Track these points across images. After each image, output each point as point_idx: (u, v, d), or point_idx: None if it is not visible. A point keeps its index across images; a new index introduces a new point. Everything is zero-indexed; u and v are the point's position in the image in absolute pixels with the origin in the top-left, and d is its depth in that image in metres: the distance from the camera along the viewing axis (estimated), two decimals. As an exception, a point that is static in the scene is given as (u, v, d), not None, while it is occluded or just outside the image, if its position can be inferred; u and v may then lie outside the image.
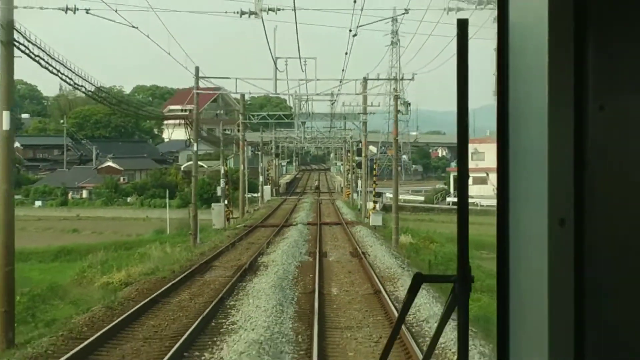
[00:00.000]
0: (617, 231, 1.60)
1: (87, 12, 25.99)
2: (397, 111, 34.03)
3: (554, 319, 1.59)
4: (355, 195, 63.00)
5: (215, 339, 13.62)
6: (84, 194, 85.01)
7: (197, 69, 38.40)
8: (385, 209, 52.18)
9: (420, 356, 11.05)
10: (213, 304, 16.48)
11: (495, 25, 1.72)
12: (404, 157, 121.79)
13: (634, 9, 1.59)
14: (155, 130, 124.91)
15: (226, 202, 43.32)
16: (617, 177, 1.60)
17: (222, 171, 44.98)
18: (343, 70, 44.47)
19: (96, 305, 16.65)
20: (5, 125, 14.51)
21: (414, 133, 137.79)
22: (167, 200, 48.33)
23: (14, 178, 72.21)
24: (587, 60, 1.59)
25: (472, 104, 1.79)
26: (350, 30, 28.26)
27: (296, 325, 14.62)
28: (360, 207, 53.25)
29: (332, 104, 56.09)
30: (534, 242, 1.63)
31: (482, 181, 72.88)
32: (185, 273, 21.71)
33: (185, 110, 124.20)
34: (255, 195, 71.26)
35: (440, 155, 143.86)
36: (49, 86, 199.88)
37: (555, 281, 1.60)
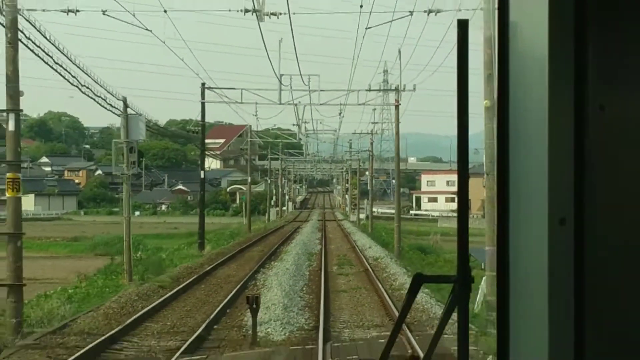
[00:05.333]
0: (617, 230, 1.63)
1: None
2: (355, 172, 79.63)
3: (554, 319, 1.63)
4: (347, 208, 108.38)
5: (297, 232, 58.84)
6: (163, 207, 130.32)
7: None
8: (367, 217, 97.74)
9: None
10: (292, 230, 62.00)
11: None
12: (393, 181, 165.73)
13: (634, 8, 1.62)
14: (199, 161, 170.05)
15: (277, 209, 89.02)
16: (617, 176, 1.64)
17: (274, 192, 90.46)
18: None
19: (259, 231, 62.36)
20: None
21: (412, 159, 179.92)
22: (244, 210, 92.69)
23: (108, 197, 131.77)
24: (587, 59, 1.62)
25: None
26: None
27: (317, 230, 60.51)
28: (348, 214, 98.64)
29: (335, 139, 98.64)
30: (534, 242, 1.66)
31: (434, 200, 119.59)
32: (277, 227, 67.00)
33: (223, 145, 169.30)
34: (283, 208, 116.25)
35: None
36: (91, 118, 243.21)
37: (556, 280, 1.62)
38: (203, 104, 42.75)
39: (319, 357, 13.95)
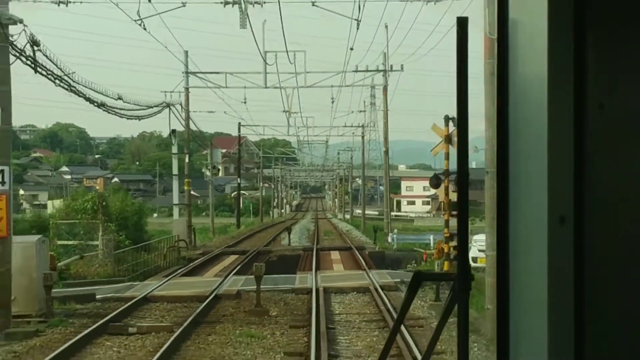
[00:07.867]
0: (617, 229, 1.66)
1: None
2: (341, 180, 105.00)
3: (553, 318, 1.66)
4: (337, 210, 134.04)
5: (298, 222, 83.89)
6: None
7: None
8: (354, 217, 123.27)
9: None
10: (294, 222, 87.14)
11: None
12: (381, 187, 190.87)
13: (633, 8, 1.65)
14: (203, 169, 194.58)
15: (277, 210, 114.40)
16: (617, 175, 1.66)
17: (276, 195, 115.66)
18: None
19: (269, 222, 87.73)
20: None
21: (402, 167, 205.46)
22: (250, 212, 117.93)
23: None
24: (587, 58, 1.65)
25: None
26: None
27: (312, 221, 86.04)
28: (337, 214, 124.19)
29: (326, 148, 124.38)
30: (534, 240, 1.69)
31: (412, 203, 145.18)
32: (281, 221, 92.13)
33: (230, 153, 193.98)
34: (282, 210, 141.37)
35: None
36: (95, 129, 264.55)
37: (555, 279, 1.66)
38: (239, 136, 67.93)
39: (314, 247, 39.55)
